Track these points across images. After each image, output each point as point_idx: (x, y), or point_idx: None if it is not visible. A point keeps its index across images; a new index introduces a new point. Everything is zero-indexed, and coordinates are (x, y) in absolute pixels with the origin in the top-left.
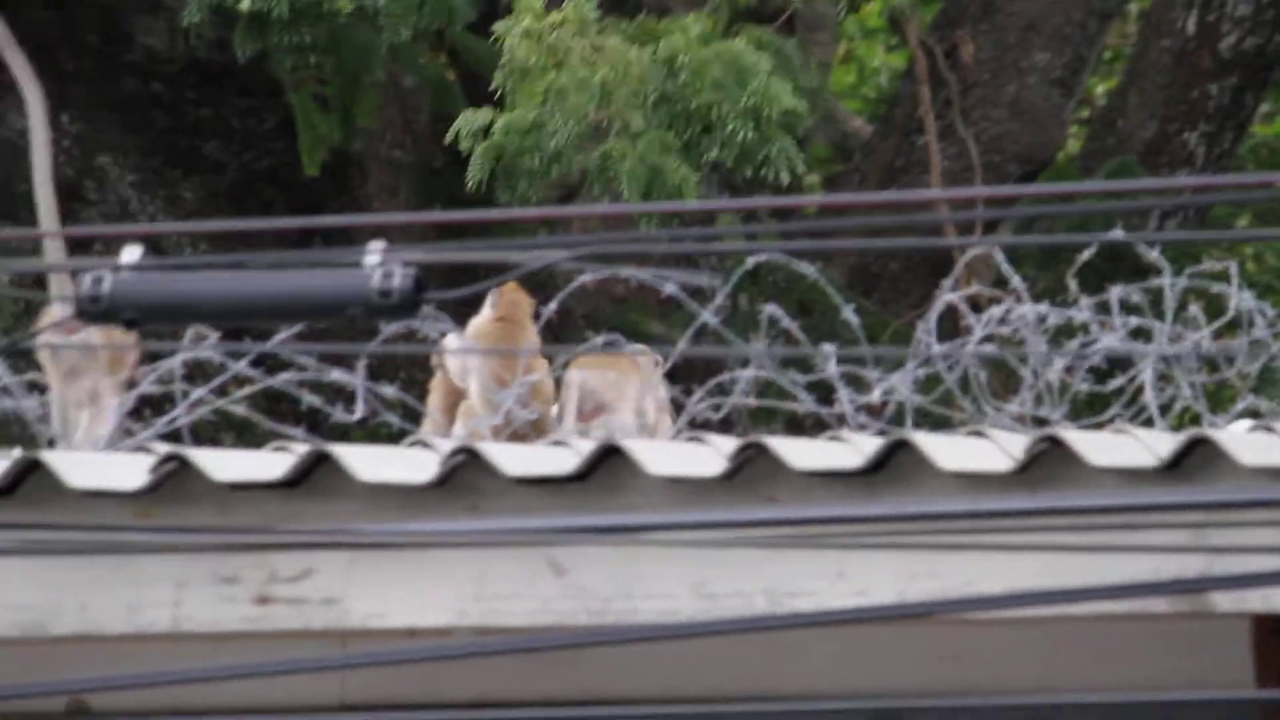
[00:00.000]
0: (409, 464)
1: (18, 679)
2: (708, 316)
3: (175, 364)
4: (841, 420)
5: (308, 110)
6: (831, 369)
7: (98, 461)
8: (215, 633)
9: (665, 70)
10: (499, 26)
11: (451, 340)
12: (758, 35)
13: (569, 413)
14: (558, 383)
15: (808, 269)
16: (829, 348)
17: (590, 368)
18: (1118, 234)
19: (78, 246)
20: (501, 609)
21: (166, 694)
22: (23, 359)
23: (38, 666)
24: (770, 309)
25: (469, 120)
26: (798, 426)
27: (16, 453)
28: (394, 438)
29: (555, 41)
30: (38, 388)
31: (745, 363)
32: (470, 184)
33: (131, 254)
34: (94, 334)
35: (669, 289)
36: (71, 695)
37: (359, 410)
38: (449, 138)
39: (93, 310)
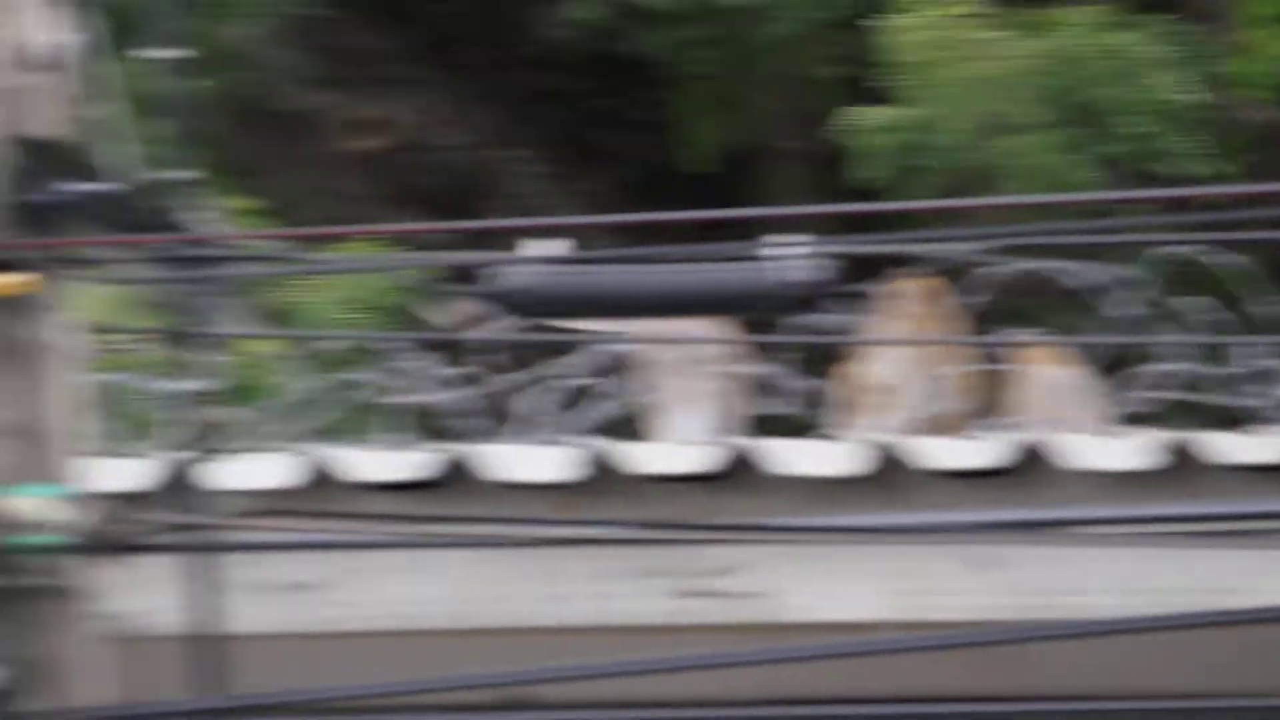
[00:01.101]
0: (831, 457)
1: (444, 669)
2: (1131, 310)
3: (604, 357)
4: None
5: (699, 105)
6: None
7: (520, 455)
8: (636, 625)
9: (1056, 64)
10: (887, 23)
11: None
12: (1153, 26)
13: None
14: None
15: (1225, 260)
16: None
17: (1051, 363)
18: None
19: (480, 241)
20: (926, 604)
21: (589, 686)
22: (444, 351)
23: (462, 657)
24: (1189, 301)
25: (862, 116)
26: (1229, 420)
27: (445, 445)
28: (805, 430)
29: (945, 37)
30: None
31: (1167, 356)
32: (871, 181)
33: (551, 248)
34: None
35: (1086, 281)
36: (498, 687)
37: (774, 403)
38: (841, 133)
39: (514, 304)
